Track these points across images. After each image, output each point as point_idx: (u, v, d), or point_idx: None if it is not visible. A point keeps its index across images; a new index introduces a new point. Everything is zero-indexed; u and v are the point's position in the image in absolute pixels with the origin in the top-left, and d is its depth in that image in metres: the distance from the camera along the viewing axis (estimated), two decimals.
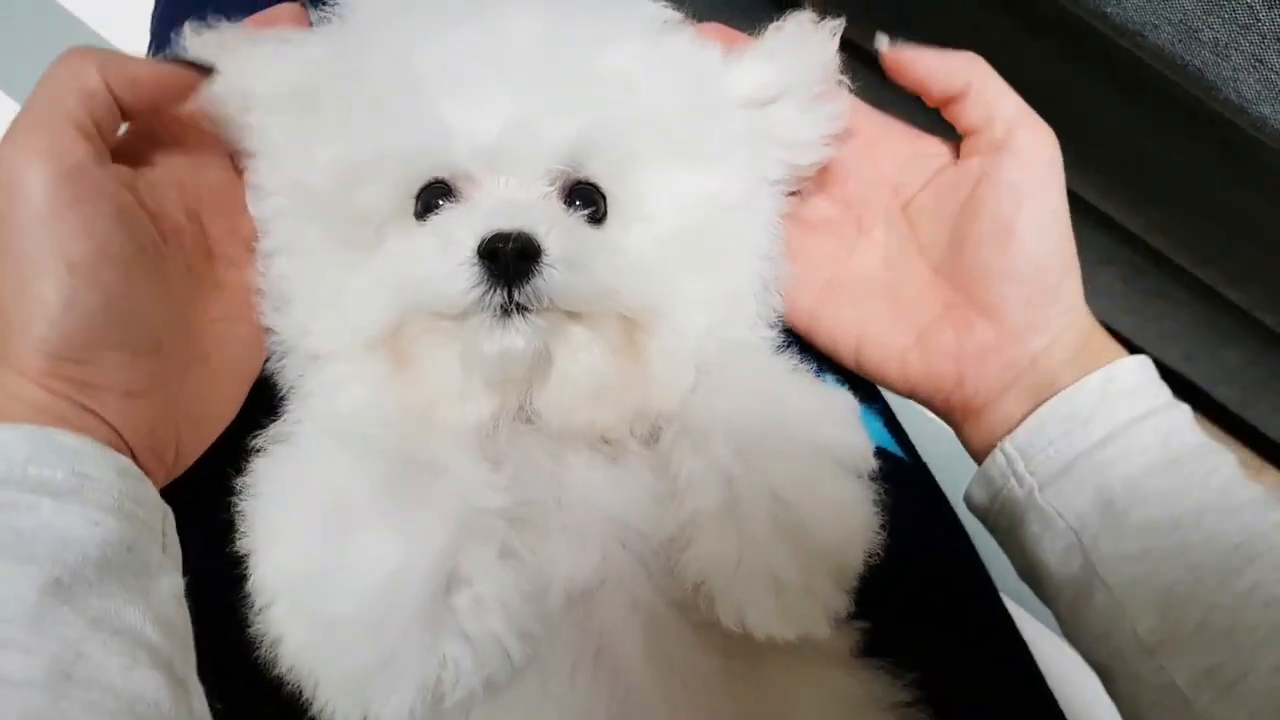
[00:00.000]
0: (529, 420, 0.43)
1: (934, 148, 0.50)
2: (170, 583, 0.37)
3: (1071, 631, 0.45)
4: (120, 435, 0.39)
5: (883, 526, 0.41)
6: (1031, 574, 0.46)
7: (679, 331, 0.44)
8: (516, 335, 0.41)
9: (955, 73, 0.48)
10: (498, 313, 0.41)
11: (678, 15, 0.47)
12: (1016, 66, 0.90)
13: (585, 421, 0.43)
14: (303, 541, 0.38)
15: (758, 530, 0.39)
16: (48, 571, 0.33)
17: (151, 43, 0.71)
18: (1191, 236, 0.93)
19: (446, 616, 0.37)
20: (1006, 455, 0.45)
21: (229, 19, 0.62)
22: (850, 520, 0.41)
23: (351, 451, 0.39)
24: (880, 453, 0.44)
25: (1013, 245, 0.45)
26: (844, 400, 0.44)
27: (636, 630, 0.40)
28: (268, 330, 0.46)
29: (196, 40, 0.45)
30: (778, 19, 0.49)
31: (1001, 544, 0.47)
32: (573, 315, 0.42)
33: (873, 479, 0.42)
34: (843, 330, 0.50)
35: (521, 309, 0.41)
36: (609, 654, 0.40)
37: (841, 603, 0.41)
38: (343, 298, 0.44)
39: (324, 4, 0.48)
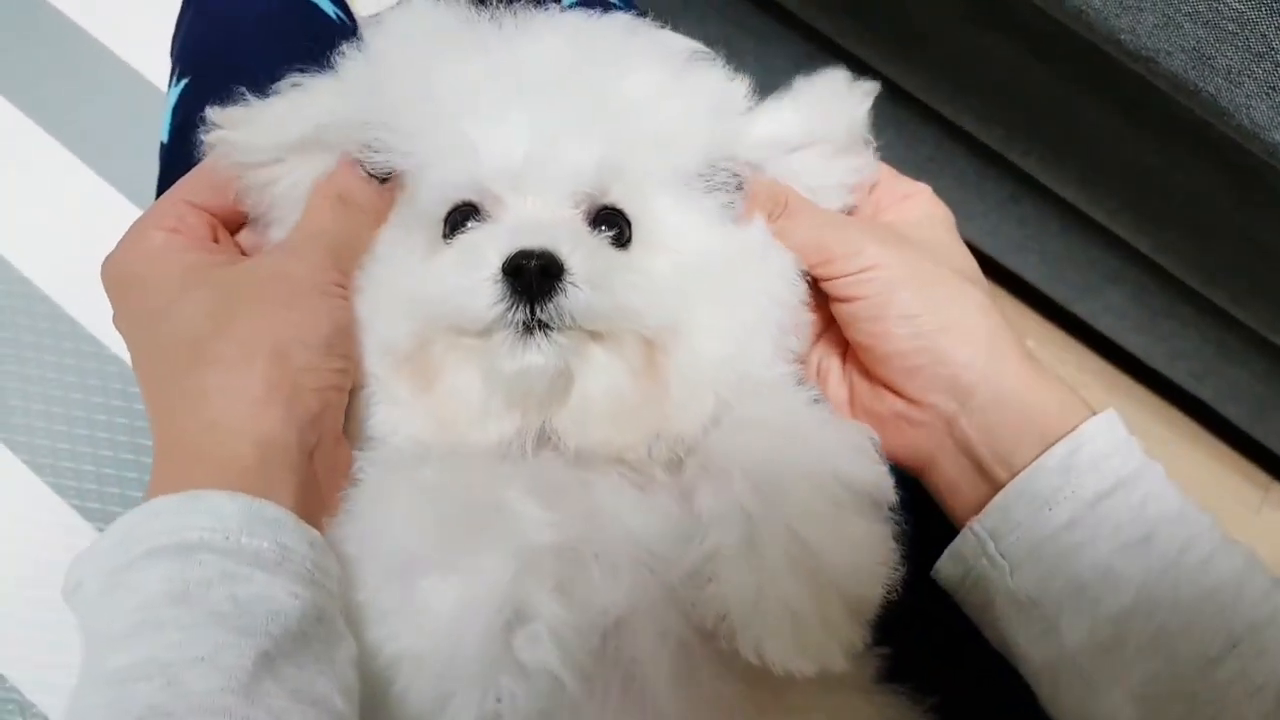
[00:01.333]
0: (549, 441, 0.44)
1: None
2: (347, 647, 0.38)
3: (1052, 711, 0.44)
4: (312, 479, 0.41)
5: (902, 558, 0.42)
6: (1007, 651, 0.44)
7: (697, 356, 0.45)
8: (537, 353, 0.42)
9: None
10: (520, 329, 0.42)
11: (703, 48, 0.48)
12: (1025, 89, 0.91)
13: (602, 441, 0.44)
14: (367, 584, 0.39)
15: (776, 568, 0.40)
16: (260, 644, 0.34)
17: (173, 72, 0.72)
18: (1200, 257, 0.93)
19: (505, 653, 0.37)
20: (977, 536, 0.43)
21: (250, 58, 0.64)
22: (868, 556, 0.41)
23: (408, 494, 0.41)
24: (900, 479, 0.45)
25: (863, 329, 0.46)
26: (862, 434, 0.45)
27: (665, 658, 0.41)
28: None
29: (219, 116, 0.47)
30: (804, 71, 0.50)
31: (974, 618, 0.46)
32: (594, 335, 0.43)
33: (892, 510, 0.43)
34: (809, 372, 0.51)
35: (544, 326, 0.42)
36: (637, 681, 0.41)
37: (859, 637, 0.41)
38: (372, 320, 0.45)
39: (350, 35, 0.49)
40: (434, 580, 0.37)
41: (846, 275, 0.46)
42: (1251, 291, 0.93)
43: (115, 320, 0.45)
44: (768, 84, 1.31)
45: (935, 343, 0.44)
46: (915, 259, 0.46)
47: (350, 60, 0.48)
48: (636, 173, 0.45)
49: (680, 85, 0.47)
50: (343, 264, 0.45)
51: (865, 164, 0.50)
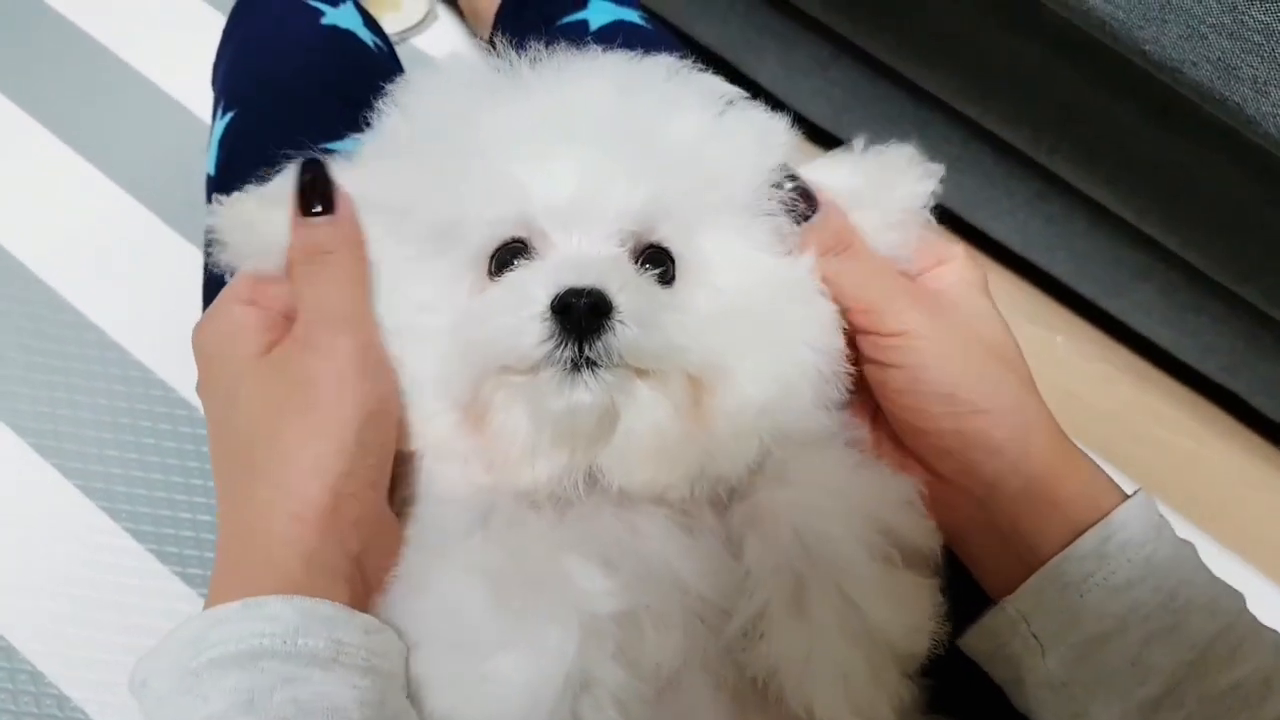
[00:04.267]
0: (596, 482, 0.44)
1: None
2: None
3: None
4: (363, 571, 0.43)
5: (948, 615, 0.43)
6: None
7: (742, 399, 0.45)
8: (585, 391, 0.41)
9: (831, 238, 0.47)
10: (567, 367, 0.41)
11: (741, 92, 0.49)
12: (1052, 91, 0.92)
13: (647, 480, 0.44)
14: (430, 658, 0.40)
15: (826, 629, 0.40)
16: None
17: (217, 104, 0.73)
18: (1229, 255, 0.93)
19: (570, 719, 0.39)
20: (1009, 616, 0.43)
21: (294, 90, 0.65)
22: (916, 613, 0.42)
23: (466, 567, 0.42)
24: None
25: (896, 400, 0.45)
26: (909, 487, 0.45)
27: (720, 707, 0.42)
28: None
29: (220, 218, 0.47)
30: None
31: (1002, 687, 0.46)
32: (640, 373, 0.43)
33: (936, 565, 0.43)
34: None
35: (591, 364, 0.41)
36: None
37: (907, 691, 0.42)
38: (421, 385, 0.45)
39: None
40: (502, 657, 0.38)
41: (884, 335, 0.45)
42: None
43: (198, 390, 0.46)
44: (790, 87, 1.29)
45: (969, 426, 0.44)
46: (957, 336, 0.45)
47: (387, 119, 0.48)
48: (682, 213, 0.46)
49: (723, 127, 0.47)
50: (359, 316, 0.44)
51: (913, 240, 0.48)
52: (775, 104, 0.50)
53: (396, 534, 0.45)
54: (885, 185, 0.48)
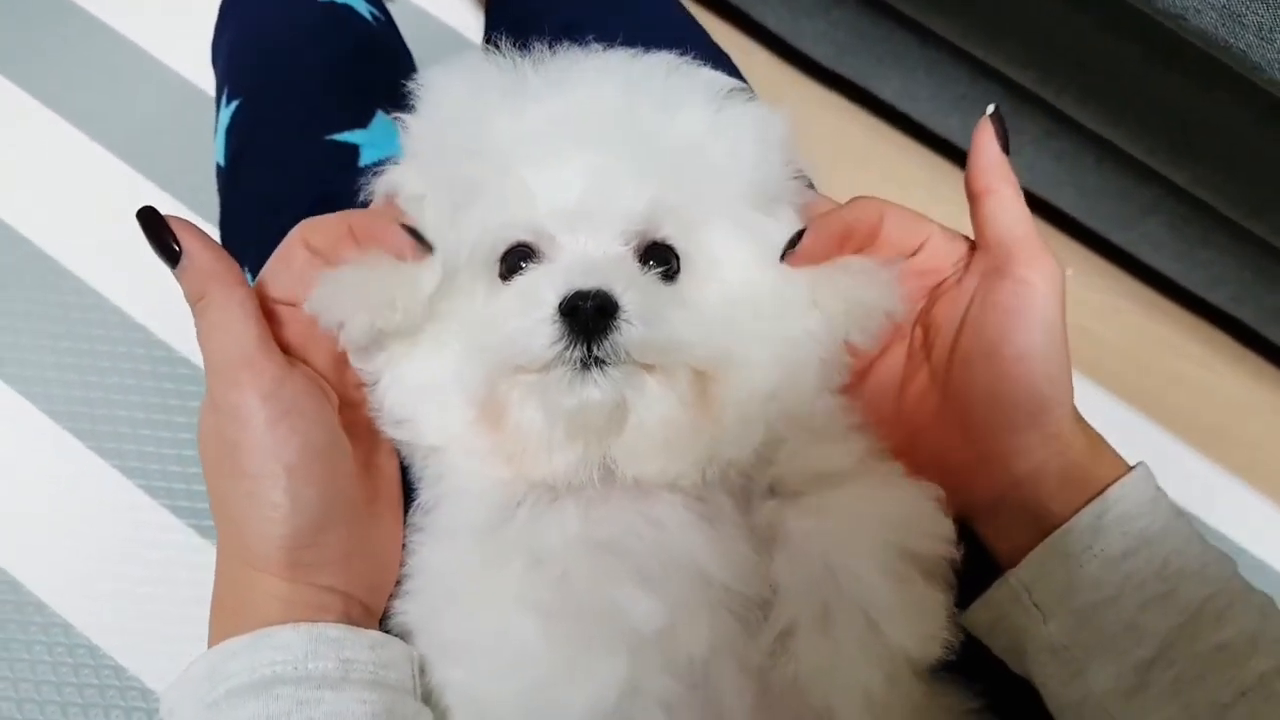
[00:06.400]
0: (609, 471, 0.46)
1: (961, 252, 0.50)
2: None
3: None
4: (352, 595, 0.45)
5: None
6: (1034, 683, 0.47)
7: (747, 387, 0.47)
8: (595, 388, 0.43)
9: (984, 176, 0.47)
10: (577, 366, 0.43)
11: (741, 84, 0.49)
12: (1063, 34, 0.91)
13: (658, 469, 0.46)
14: (491, 685, 0.43)
15: (850, 651, 0.43)
16: None
17: (221, 91, 0.72)
18: (1237, 191, 0.93)
19: None
20: (1013, 587, 0.46)
21: (297, 73, 0.64)
22: (931, 625, 0.44)
23: (516, 608, 0.43)
24: None
25: (996, 368, 0.45)
26: (927, 495, 0.46)
27: (747, 690, 0.44)
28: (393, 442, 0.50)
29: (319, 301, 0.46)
30: None
31: (999, 655, 0.48)
32: (648, 368, 0.45)
33: (956, 570, 0.46)
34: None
35: (600, 362, 0.43)
36: (721, 714, 0.44)
37: (921, 692, 0.45)
38: (440, 384, 0.48)
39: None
40: (559, 687, 0.41)
41: (1010, 279, 0.45)
42: None
43: None
44: (795, 29, 1.27)
45: (1044, 394, 0.45)
46: (1055, 306, 0.46)
47: (415, 129, 0.49)
48: (685, 210, 0.47)
49: (724, 122, 0.48)
50: (253, 354, 0.43)
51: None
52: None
53: (394, 551, 0.49)
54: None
